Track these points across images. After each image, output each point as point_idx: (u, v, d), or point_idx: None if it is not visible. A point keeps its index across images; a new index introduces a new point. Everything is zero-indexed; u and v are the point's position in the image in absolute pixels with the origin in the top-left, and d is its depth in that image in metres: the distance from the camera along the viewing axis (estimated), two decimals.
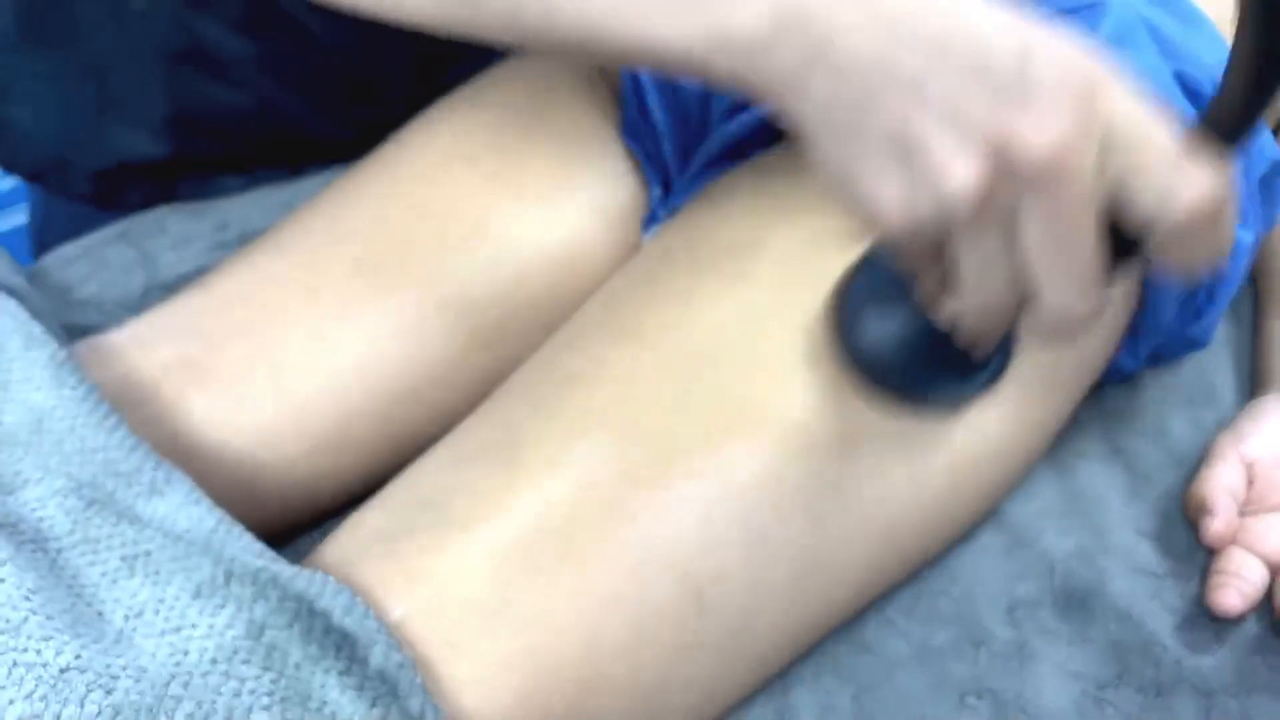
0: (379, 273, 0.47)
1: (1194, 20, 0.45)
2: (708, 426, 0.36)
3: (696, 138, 0.53)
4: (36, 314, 0.53)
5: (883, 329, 0.35)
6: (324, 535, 0.48)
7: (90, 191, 0.69)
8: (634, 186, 0.53)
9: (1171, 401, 0.53)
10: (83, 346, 0.45)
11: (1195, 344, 0.50)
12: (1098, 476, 0.48)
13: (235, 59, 0.61)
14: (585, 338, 0.41)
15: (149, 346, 0.44)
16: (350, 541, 0.37)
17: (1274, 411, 0.49)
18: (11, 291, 0.53)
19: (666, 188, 0.53)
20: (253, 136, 0.68)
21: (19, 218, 1.27)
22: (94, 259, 0.66)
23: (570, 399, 0.38)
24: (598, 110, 0.54)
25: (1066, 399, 0.45)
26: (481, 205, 0.50)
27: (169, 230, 0.69)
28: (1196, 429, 0.52)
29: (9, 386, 0.39)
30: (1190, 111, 0.40)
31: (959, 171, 0.25)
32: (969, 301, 0.29)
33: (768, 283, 0.39)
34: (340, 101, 0.66)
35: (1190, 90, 0.41)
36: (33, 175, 0.71)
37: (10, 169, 0.71)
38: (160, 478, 0.36)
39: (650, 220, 0.53)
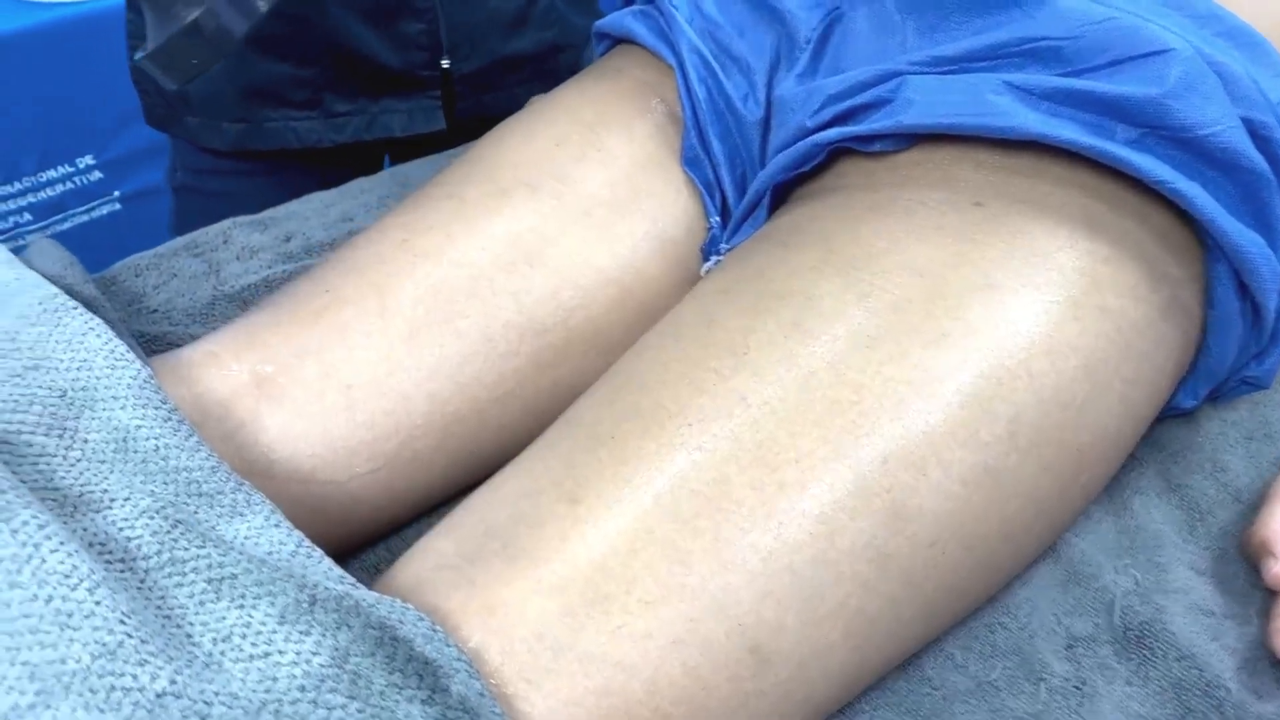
0: (446, 296, 0.48)
1: (1256, 48, 0.44)
2: (763, 478, 0.37)
3: (754, 168, 0.54)
4: (110, 324, 0.55)
5: None
6: (386, 548, 0.50)
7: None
8: (693, 216, 0.54)
9: (1229, 438, 0.53)
10: (159, 363, 0.47)
11: (1256, 385, 0.50)
12: (1155, 512, 0.48)
13: None
14: (645, 374, 0.42)
15: (223, 364, 0.46)
16: (421, 567, 0.38)
17: None
18: (87, 303, 0.55)
19: (725, 217, 0.54)
20: (325, 56, 0.72)
21: (107, 208, 1.30)
22: (163, 269, 0.68)
23: (630, 438, 0.39)
24: (658, 138, 0.55)
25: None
26: (543, 231, 0.51)
27: (234, 242, 0.70)
28: (1254, 465, 0.52)
29: (95, 405, 0.40)
30: (1259, 159, 0.40)
31: None
32: None
33: (820, 336, 0.40)
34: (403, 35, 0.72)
35: (1259, 136, 0.41)
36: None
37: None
38: (241, 499, 0.38)
39: (709, 250, 0.53)
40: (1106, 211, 0.42)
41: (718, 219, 0.53)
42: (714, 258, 0.52)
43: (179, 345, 0.61)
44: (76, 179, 1.28)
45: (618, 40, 0.63)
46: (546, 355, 0.50)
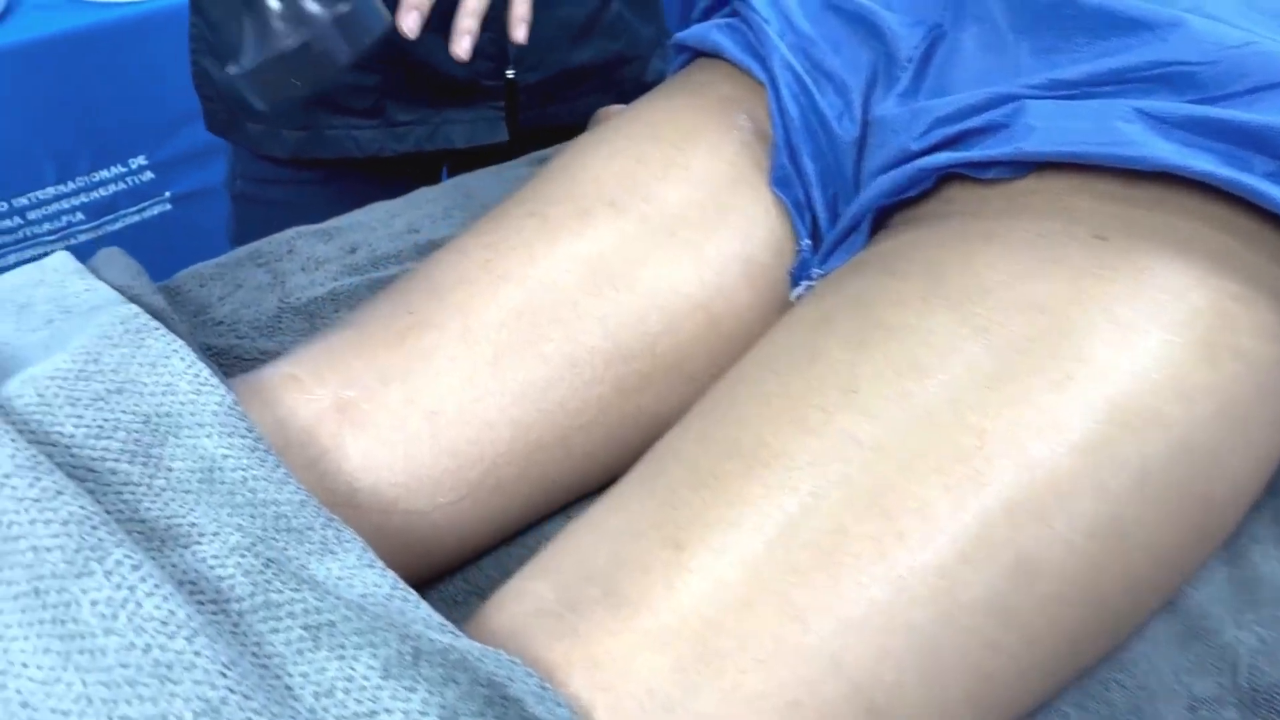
0: (530, 319, 0.47)
1: None
2: (881, 528, 0.35)
3: (847, 190, 0.52)
4: (181, 337, 0.54)
5: None
6: (464, 579, 0.48)
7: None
8: (782, 238, 0.52)
9: None
10: (239, 384, 0.46)
11: None
12: (1273, 563, 0.46)
13: None
14: (744, 409, 0.40)
15: (305, 388, 0.44)
16: (518, 611, 0.36)
17: None
18: (155, 315, 0.54)
19: (815, 240, 0.52)
20: (388, 64, 0.71)
21: (158, 208, 1.30)
22: (227, 280, 0.66)
23: (733, 479, 0.37)
24: (745, 156, 0.53)
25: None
26: (628, 253, 0.49)
27: (299, 253, 0.69)
28: None
29: (179, 431, 0.39)
30: None
31: None
32: None
33: (935, 374, 0.38)
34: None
35: None
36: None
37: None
38: (331, 536, 0.36)
39: (799, 274, 0.51)
40: (1240, 247, 0.40)
41: (808, 241, 0.51)
42: (805, 282, 0.50)
43: (246, 359, 0.60)
44: (129, 179, 1.28)
45: (697, 53, 0.61)
46: (631, 382, 0.48)
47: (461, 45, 0.50)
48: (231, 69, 0.44)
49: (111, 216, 1.29)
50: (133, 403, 0.39)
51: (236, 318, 0.63)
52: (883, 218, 0.49)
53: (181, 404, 0.39)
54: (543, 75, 0.79)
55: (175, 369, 0.40)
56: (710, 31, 0.57)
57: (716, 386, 0.43)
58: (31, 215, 1.22)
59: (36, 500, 0.33)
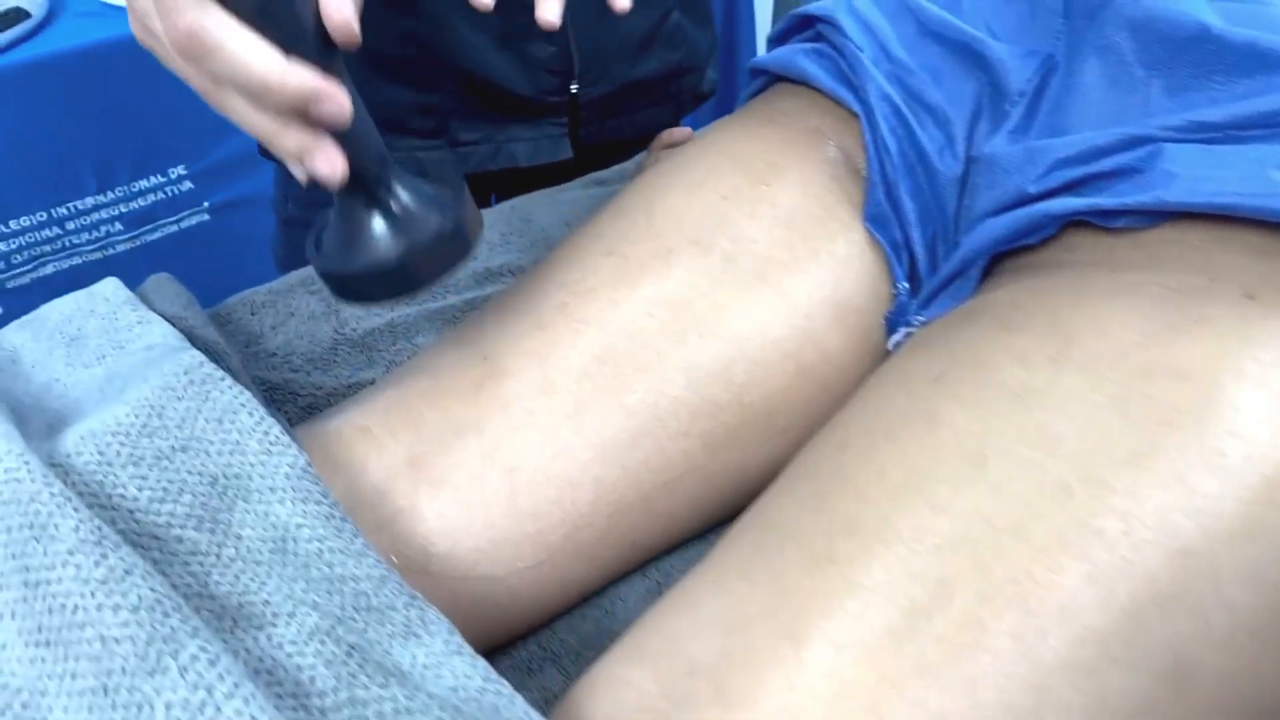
0: (613, 370, 0.44)
1: None
2: (1021, 623, 0.31)
3: (947, 230, 0.49)
4: (234, 373, 0.51)
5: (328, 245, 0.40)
6: (538, 644, 0.45)
7: None
8: (878, 280, 0.48)
9: None
10: (305, 434, 0.43)
11: None
12: None
13: None
14: (859, 478, 0.37)
15: (377, 441, 0.41)
16: (618, 705, 0.33)
17: None
18: (208, 348, 0.52)
19: (914, 283, 0.49)
20: (451, 82, 0.69)
21: (196, 218, 1.28)
22: (280, 308, 0.64)
23: (854, 562, 0.34)
24: (836, 192, 0.50)
25: None
26: (714, 297, 0.46)
27: None
28: None
29: (249, 495, 0.36)
30: None
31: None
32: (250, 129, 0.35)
33: (1072, 447, 0.34)
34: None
35: None
36: None
37: None
38: (415, 617, 0.33)
39: (896, 320, 0.48)
40: None
41: (906, 284, 0.48)
42: (903, 329, 0.47)
43: (301, 395, 0.58)
44: (168, 189, 1.26)
45: (776, 78, 0.58)
46: (719, 436, 0.45)
47: (548, 9, 0.43)
48: (311, 255, 0.41)
49: (150, 226, 1.27)
50: (199, 462, 0.37)
51: (290, 349, 0.60)
52: (992, 263, 0.45)
53: (250, 465, 0.36)
54: (605, 89, 0.76)
55: (243, 425, 0.37)
56: (796, 57, 0.54)
57: (819, 448, 0.40)
58: (70, 225, 1.21)
59: (103, 582, 0.30)
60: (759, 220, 0.48)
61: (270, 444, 0.37)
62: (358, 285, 0.39)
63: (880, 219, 0.49)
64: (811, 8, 0.56)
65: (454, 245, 0.39)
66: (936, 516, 0.34)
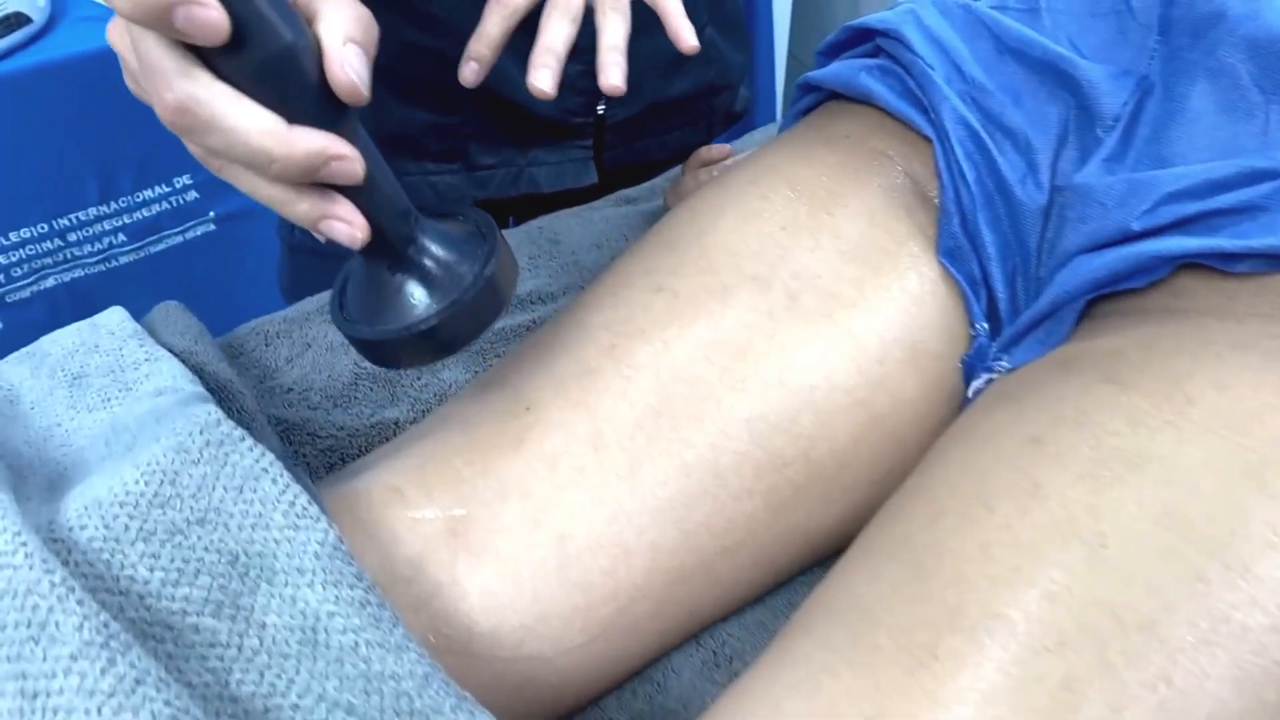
0: (669, 422, 0.40)
1: None
2: None
3: (1028, 265, 0.45)
4: (248, 415, 0.47)
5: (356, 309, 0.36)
6: None
7: None
8: (953, 319, 0.44)
9: None
10: (330, 495, 0.39)
11: None
12: None
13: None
14: (961, 559, 0.33)
15: (412, 504, 0.37)
16: None
17: None
18: (221, 388, 0.48)
19: (993, 323, 0.45)
20: (470, 102, 0.65)
21: (201, 228, 1.24)
22: (295, 338, 0.60)
23: (960, 659, 0.30)
24: (906, 223, 0.46)
25: None
26: (778, 339, 0.42)
27: None
28: None
29: (274, 577, 0.32)
30: None
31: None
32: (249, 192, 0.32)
33: (1202, 528, 0.30)
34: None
35: None
36: None
37: None
38: None
39: (975, 364, 0.44)
40: None
41: (985, 324, 0.44)
42: (985, 375, 0.43)
43: (321, 436, 0.53)
44: (173, 199, 1.22)
45: (830, 95, 0.53)
46: (783, 495, 0.41)
47: (541, 78, 0.41)
48: (336, 317, 0.38)
49: (155, 237, 1.23)
50: (217, 537, 0.33)
51: (307, 384, 0.56)
52: (1087, 305, 0.41)
53: (275, 541, 0.32)
54: (634, 110, 0.72)
55: (267, 495, 0.33)
56: (859, 75, 0.50)
57: (907, 517, 0.36)
58: (72, 237, 1.17)
59: (110, 695, 0.26)
60: (822, 253, 0.44)
61: (297, 516, 0.33)
62: (390, 352, 0.36)
63: (956, 252, 0.44)
64: (870, 20, 0.52)
65: (492, 302, 0.36)
66: (1053, 607, 0.30)
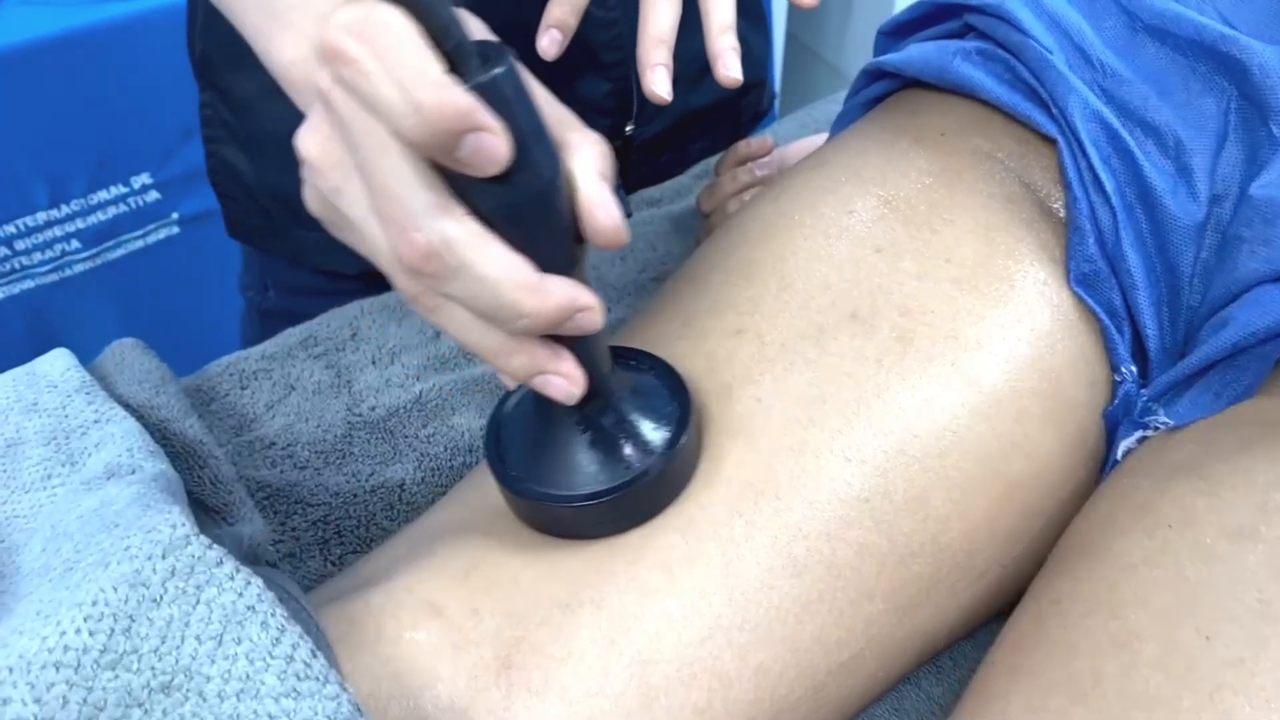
0: (771, 504, 0.31)
1: None
2: None
3: (1179, 293, 0.37)
4: (224, 485, 0.39)
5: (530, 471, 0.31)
6: None
7: None
8: (1092, 362, 0.36)
9: None
10: (338, 616, 0.30)
11: None
12: None
13: None
14: (1173, 698, 0.25)
15: (452, 628, 0.29)
16: None
17: None
18: (187, 448, 0.39)
19: (1139, 363, 0.37)
20: None
21: (164, 232, 1.14)
22: (276, 379, 0.51)
23: None
24: (1029, 243, 0.37)
25: None
26: (891, 391, 0.34)
27: (365, 338, 0.53)
28: None
29: None
30: None
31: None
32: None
33: None
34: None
35: None
36: None
37: None
38: None
39: (1120, 414, 0.36)
40: None
41: (1132, 367, 0.36)
42: (1138, 432, 0.35)
43: (312, 504, 0.45)
44: (131, 200, 1.12)
45: (906, 83, 0.45)
46: (910, 592, 0.33)
47: (658, 81, 0.35)
48: (496, 467, 0.32)
49: (112, 243, 1.14)
50: (189, 711, 0.24)
51: (293, 437, 0.48)
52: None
53: (270, 716, 0.24)
54: (663, 124, 0.63)
55: (256, 647, 0.25)
56: (950, 59, 0.41)
57: (1085, 632, 0.28)
58: (20, 245, 1.07)
59: None
60: (932, 282, 0.36)
61: (298, 678, 0.24)
62: (563, 519, 0.31)
63: (1092, 279, 0.36)
64: None
65: (681, 477, 0.32)
66: None
